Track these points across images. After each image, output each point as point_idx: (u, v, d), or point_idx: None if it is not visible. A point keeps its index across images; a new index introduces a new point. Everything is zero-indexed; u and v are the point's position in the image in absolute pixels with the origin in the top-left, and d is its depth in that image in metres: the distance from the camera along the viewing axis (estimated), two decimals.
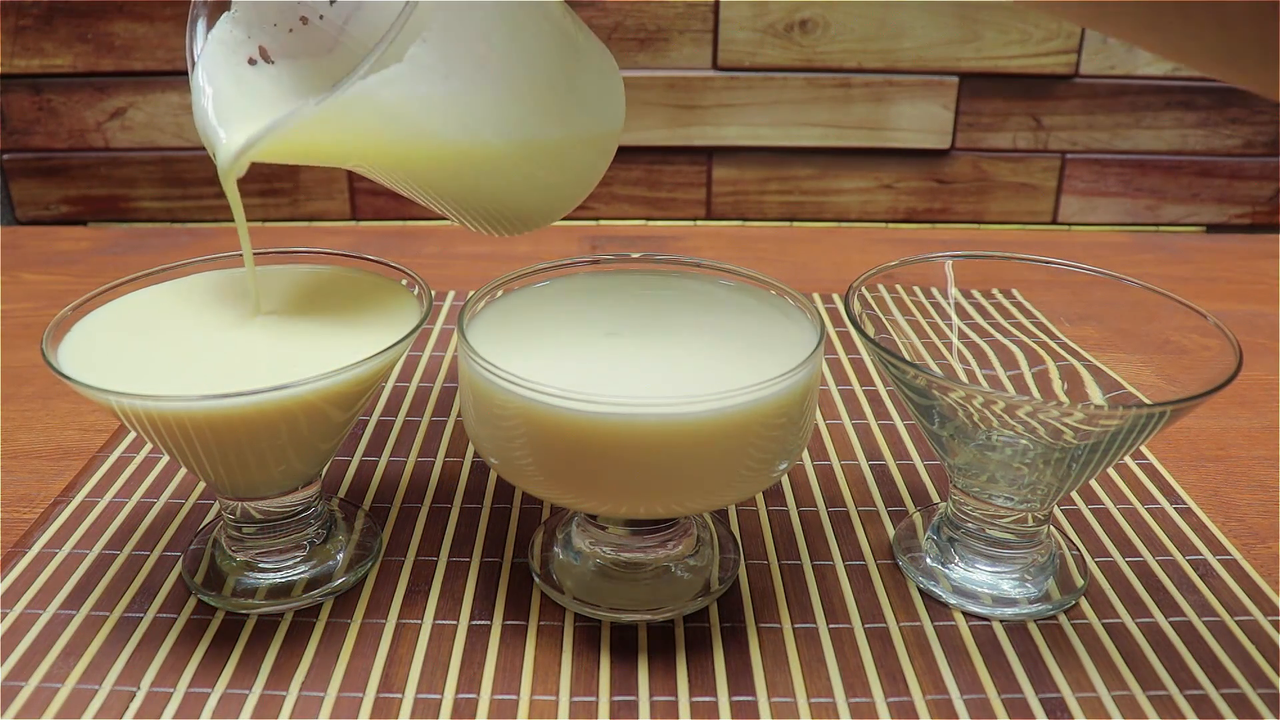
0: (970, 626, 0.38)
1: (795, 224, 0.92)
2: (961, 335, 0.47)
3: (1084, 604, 0.39)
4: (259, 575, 0.39)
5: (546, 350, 0.37)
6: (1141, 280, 0.41)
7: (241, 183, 0.36)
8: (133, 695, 0.34)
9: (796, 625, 0.38)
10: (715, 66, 0.86)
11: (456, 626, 0.38)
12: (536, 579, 0.40)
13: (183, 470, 0.47)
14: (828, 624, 0.38)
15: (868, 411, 0.54)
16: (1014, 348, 0.47)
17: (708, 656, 0.36)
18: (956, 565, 0.40)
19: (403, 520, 0.44)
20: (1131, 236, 0.88)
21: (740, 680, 0.35)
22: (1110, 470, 0.48)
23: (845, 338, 0.62)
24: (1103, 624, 0.38)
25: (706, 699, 0.34)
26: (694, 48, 0.85)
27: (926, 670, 0.36)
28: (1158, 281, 0.41)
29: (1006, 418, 0.35)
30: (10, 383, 0.56)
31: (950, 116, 0.88)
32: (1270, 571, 0.41)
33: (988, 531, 0.40)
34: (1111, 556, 0.42)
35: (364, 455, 0.49)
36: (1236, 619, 0.38)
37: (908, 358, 0.38)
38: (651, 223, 0.92)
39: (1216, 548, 0.42)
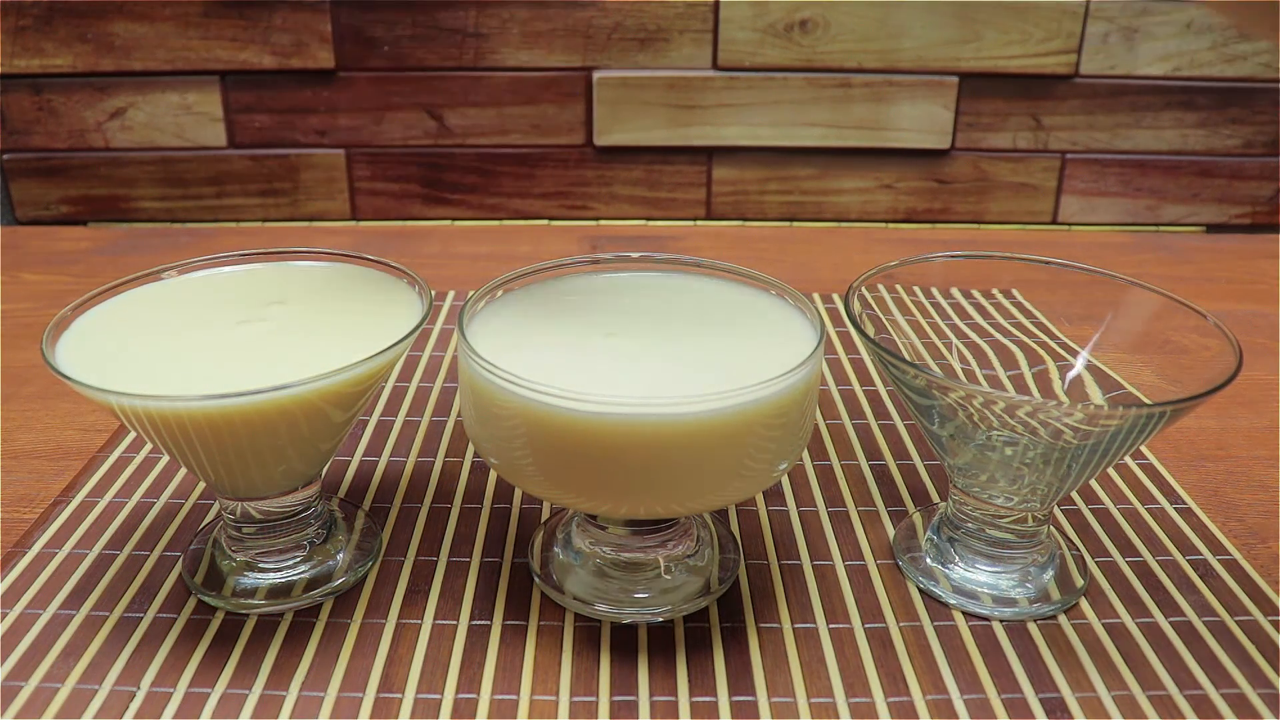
0: (970, 626, 0.38)
1: (795, 224, 0.92)
2: (961, 335, 0.47)
3: (1084, 604, 0.39)
4: (259, 575, 0.39)
5: (546, 350, 0.37)
6: (1141, 280, 0.41)
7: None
8: (133, 695, 0.34)
9: (796, 625, 0.38)
10: (715, 66, 0.86)
11: (456, 626, 0.38)
12: (536, 579, 0.40)
13: (183, 470, 0.47)
14: (828, 624, 0.38)
15: (868, 411, 0.54)
16: (1014, 348, 0.47)
17: (708, 656, 0.36)
18: (956, 565, 0.40)
19: (403, 520, 0.44)
20: (1131, 236, 0.88)
21: (740, 680, 0.35)
22: (1110, 470, 0.48)
23: (845, 338, 0.62)
24: (1103, 624, 0.38)
25: (706, 699, 0.34)
26: (694, 48, 0.85)
27: (926, 670, 0.36)
28: (1158, 281, 0.41)
29: (1006, 418, 0.35)
30: (10, 383, 0.56)
31: (950, 116, 0.88)
32: (1270, 571, 0.41)
33: (988, 531, 0.40)
34: (1111, 556, 0.42)
35: (364, 455, 0.49)
36: (1236, 619, 0.38)
37: (908, 358, 0.38)
38: (651, 223, 0.92)
39: (1216, 548, 0.42)
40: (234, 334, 0.38)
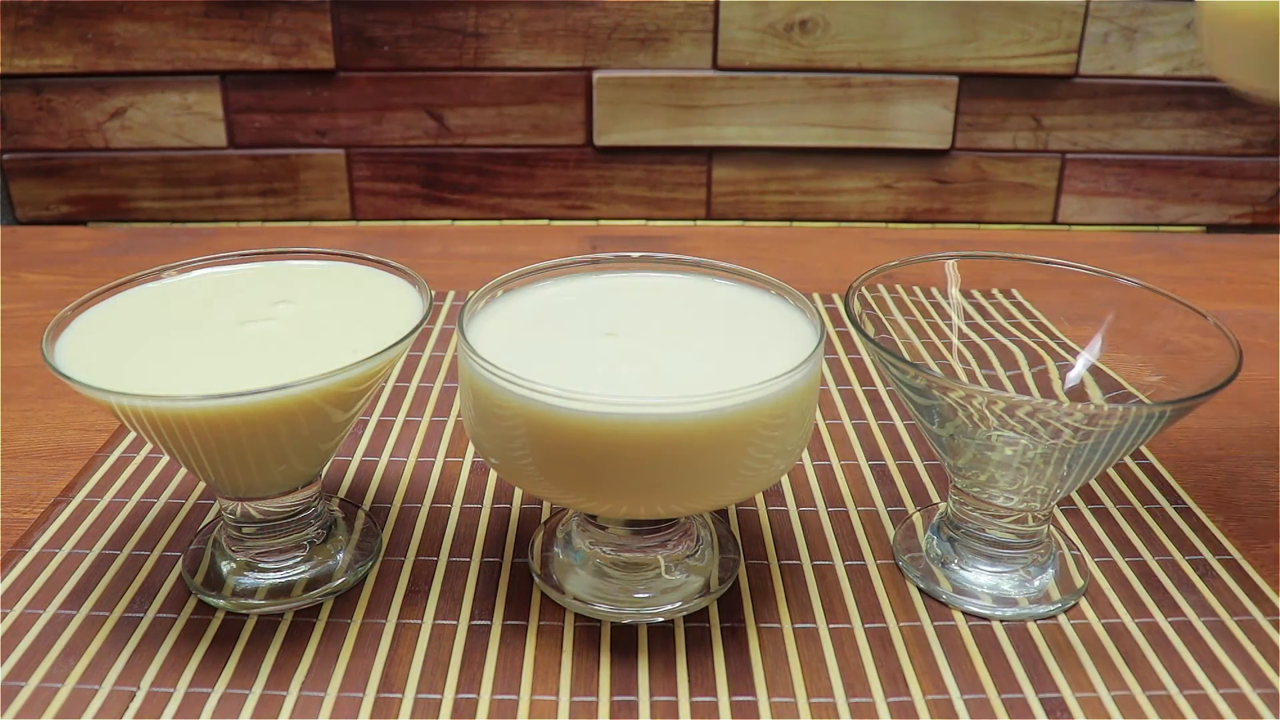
0: (970, 626, 0.38)
1: (795, 224, 0.92)
2: (961, 335, 0.47)
3: (1084, 604, 0.39)
4: (259, 575, 0.39)
5: (546, 350, 0.37)
6: (1141, 280, 0.41)
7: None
8: (133, 695, 0.34)
9: (796, 625, 0.38)
10: (715, 66, 0.86)
11: (456, 626, 0.38)
12: (536, 579, 0.40)
13: (183, 470, 0.47)
14: (828, 624, 0.38)
15: (868, 411, 0.54)
16: (1014, 348, 0.47)
17: (708, 656, 0.36)
18: (956, 565, 0.40)
19: (403, 520, 0.44)
20: (1131, 236, 0.88)
21: (740, 680, 0.35)
22: (1110, 470, 0.48)
23: (845, 338, 0.62)
24: (1103, 624, 0.38)
25: (706, 699, 0.34)
26: (694, 48, 0.85)
27: (926, 670, 0.36)
28: (1158, 281, 0.41)
29: (1006, 418, 0.35)
30: (10, 383, 0.56)
31: (950, 116, 0.88)
32: (1270, 571, 0.41)
33: (988, 531, 0.40)
34: (1111, 556, 0.42)
35: (364, 455, 0.49)
36: (1236, 619, 0.38)
37: (908, 358, 0.38)
38: (651, 223, 0.92)
39: (1216, 548, 0.42)
40: (234, 333, 0.38)
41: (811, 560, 0.42)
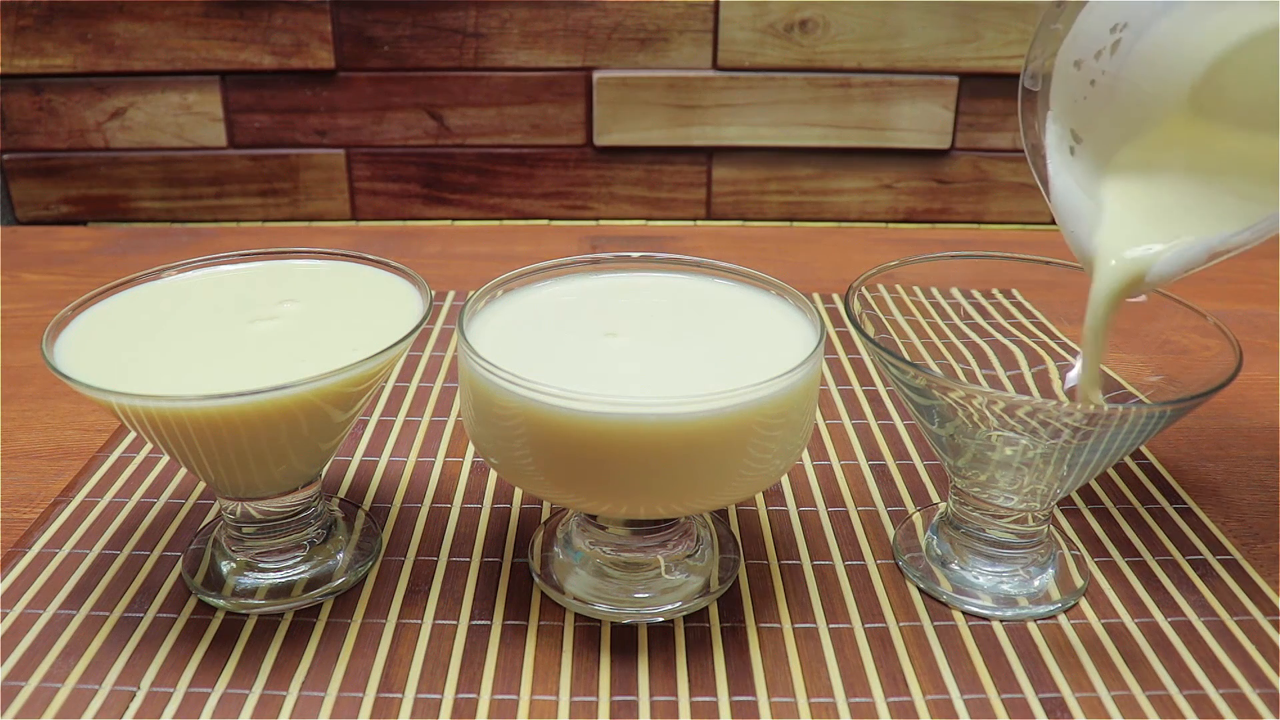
0: (970, 626, 0.38)
1: (795, 224, 0.92)
2: (961, 335, 0.47)
3: (1084, 604, 0.39)
4: (259, 575, 0.39)
5: (546, 350, 0.37)
6: None
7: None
8: (133, 695, 0.34)
9: (796, 625, 0.38)
10: (715, 66, 0.86)
11: (456, 626, 0.38)
12: (536, 579, 0.40)
13: (183, 470, 0.47)
14: (828, 624, 0.38)
15: (868, 411, 0.54)
16: (1014, 348, 0.47)
17: (708, 656, 0.36)
18: (956, 565, 0.40)
19: (403, 520, 0.44)
20: None
21: (740, 680, 0.35)
22: (1110, 470, 0.48)
23: (845, 338, 0.62)
24: (1102, 624, 0.38)
25: (706, 699, 0.34)
26: (694, 48, 0.85)
27: (926, 670, 0.36)
28: None
29: (1006, 418, 0.35)
30: (10, 383, 0.56)
31: (950, 116, 0.88)
32: (1270, 571, 0.41)
33: (988, 531, 0.40)
34: (1111, 556, 0.42)
35: (364, 455, 0.49)
36: (1236, 619, 0.38)
37: (908, 358, 0.38)
38: (651, 223, 0.92)
39: (1216, 548, 0.42)
40: (234, 333, 0.38)
41: (811, 560, 0.42)
